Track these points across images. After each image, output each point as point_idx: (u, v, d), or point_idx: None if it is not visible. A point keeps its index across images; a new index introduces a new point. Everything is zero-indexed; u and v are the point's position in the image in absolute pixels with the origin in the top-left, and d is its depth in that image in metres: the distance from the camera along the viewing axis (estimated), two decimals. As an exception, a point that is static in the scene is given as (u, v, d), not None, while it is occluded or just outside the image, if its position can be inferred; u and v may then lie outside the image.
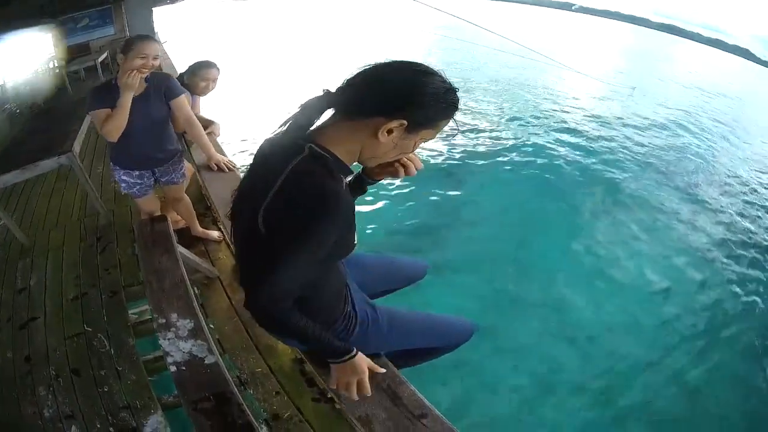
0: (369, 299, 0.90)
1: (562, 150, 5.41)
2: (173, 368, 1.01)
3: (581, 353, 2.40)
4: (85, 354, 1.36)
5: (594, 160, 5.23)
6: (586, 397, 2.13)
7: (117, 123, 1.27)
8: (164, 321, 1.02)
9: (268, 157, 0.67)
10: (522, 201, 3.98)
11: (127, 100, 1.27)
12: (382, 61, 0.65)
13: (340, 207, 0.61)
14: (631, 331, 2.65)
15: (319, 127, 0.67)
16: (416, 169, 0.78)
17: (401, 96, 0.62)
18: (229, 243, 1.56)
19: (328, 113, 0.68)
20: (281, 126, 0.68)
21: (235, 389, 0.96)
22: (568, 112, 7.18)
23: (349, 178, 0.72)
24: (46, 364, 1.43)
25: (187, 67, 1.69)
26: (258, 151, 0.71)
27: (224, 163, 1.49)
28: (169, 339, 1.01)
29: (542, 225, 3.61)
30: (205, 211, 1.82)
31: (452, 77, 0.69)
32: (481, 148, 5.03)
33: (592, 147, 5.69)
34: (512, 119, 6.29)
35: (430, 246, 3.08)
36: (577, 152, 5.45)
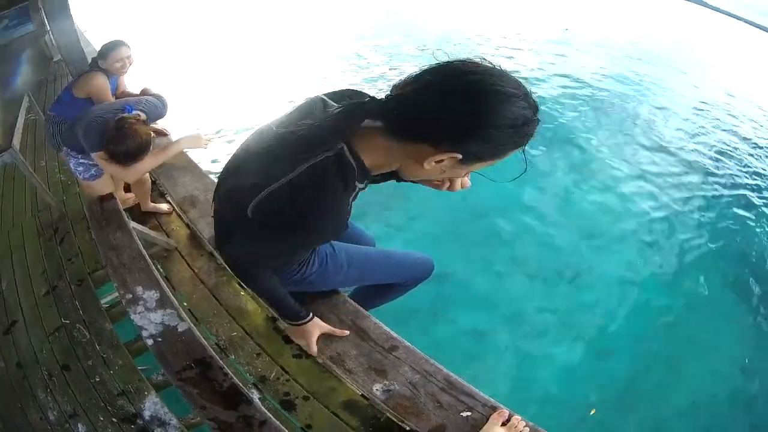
0: None
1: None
2: (150, 341, 1.23)
3: (556, 291, 2.78)
4: (69, 347, 1.63)
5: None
6: (565, 337, 2.50)
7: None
8: (131, 296, 1.23)
9: (287, 142, 0.69)
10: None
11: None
12: (446, 65, 0.59)
13: (334, 220, 0.69)
14: (600, 264, 3.01)
15: (361, 127, 0.67)
16: (462, 187, 0.78)
17: (462, 127, 0.58)
18: (180, 214, 1.78)
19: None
20: (306, 110, 0.70)
21: (214, 353, 1.17)
22: (497, 60, 7.30)
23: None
24: (37, 365, 1.73)
25: (97, 53, 1.99)
26: (269, 132, 0.73)
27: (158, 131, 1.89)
28: (139, 313, 1.23)
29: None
30: (151, 185, 2.02)
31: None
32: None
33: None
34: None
35: (375, 199, 3.28)
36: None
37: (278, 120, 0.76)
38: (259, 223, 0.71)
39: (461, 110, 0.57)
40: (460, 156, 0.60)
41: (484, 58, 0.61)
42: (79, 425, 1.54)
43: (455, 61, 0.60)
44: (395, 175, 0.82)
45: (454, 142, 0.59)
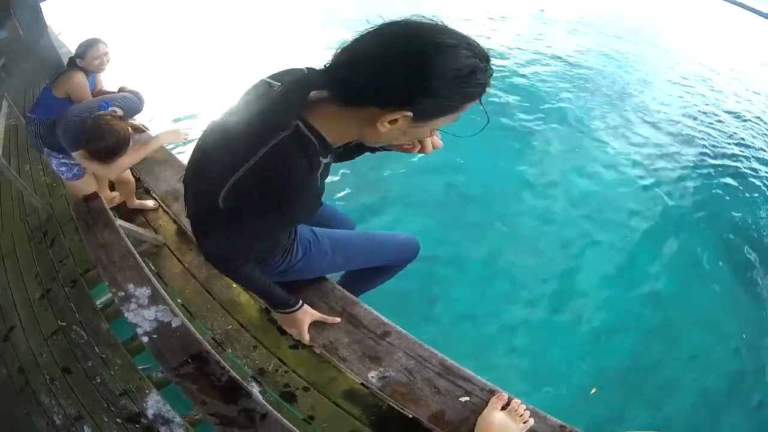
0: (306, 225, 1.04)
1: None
2: (145, 339, 1.21)
3: (548, 269, 2.73)
4: (68, 349, 1.62)
5: (515, 93, 5.31)
6: (561, 316, 2.48)
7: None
8: (123, 293, 1.20)
9: (242, 129, 0.68)
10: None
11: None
12: (380, 26, 0.57)
13: (305, 198, 0.68)
14: (585, 241, 2.97)
15: (310, 101, 0.66)
16: (434, 147, 0.77)
17: (403, 84, 0.56)
18: (166, 209, 1.76)
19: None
20: (252, 94, 0.70)
21: (209, 348, 1.15)
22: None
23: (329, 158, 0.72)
24: (38, 370, 1.71)
25: (75, 52, 1.99)
26: (222, 124, 0.73)
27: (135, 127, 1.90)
28: (132, 310, 1.20)
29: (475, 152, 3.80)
30: (135, 182, 2.01)
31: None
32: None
33: (509, 79, 5.73)
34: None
35: (365, 184, 3.28)
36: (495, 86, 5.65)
37: (227, 111, 0.74)
38: (231, 211, 0.70)
39: (400, 67, 0.55)
40: (410, 114, 0.59)
41: (423, 16, 0.59)
42: (85, 428, 1.53)
43: (390, 21, 0.58)
44: (364, 147, 0.81)
45: (400, 100, 0.57)
